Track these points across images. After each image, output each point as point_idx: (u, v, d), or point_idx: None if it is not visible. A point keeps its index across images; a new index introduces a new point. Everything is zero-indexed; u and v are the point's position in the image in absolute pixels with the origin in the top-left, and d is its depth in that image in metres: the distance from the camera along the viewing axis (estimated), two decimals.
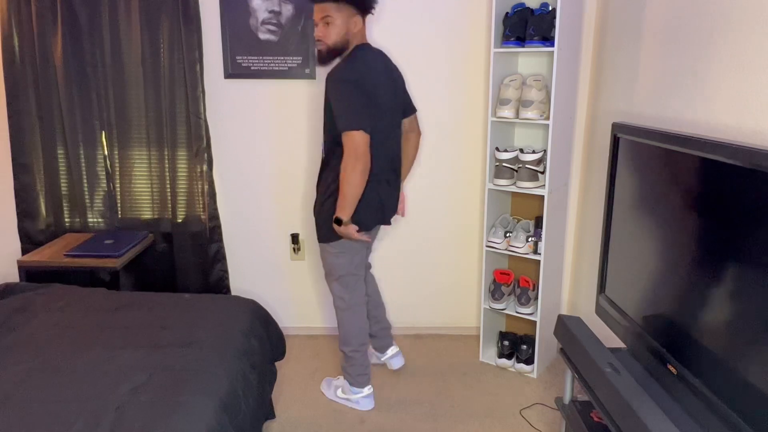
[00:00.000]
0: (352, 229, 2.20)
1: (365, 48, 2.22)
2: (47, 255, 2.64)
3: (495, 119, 2.58)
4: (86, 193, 2.90)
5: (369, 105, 2.12)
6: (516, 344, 2.76)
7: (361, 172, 2.10)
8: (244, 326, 2.03)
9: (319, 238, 2.31)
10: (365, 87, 2.12)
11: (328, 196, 2.23)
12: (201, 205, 2.90)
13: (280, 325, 2.34)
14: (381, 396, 2.54)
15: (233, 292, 3.06)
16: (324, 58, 2.21)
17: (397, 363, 2.69)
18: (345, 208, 2.15)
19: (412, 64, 2.72)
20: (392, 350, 2.69)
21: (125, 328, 1.96)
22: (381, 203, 2.28)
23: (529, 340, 2.70)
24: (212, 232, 2.93)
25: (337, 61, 2.21)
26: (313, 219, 2.34)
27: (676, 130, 1.69)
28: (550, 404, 2.47)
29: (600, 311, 2.01)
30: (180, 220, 2.92)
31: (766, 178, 1.21)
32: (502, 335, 2.81)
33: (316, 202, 2.32)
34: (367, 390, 2.44)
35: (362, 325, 2.42)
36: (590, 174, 2.67)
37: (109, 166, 2.89)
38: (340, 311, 2.41)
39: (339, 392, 2.50)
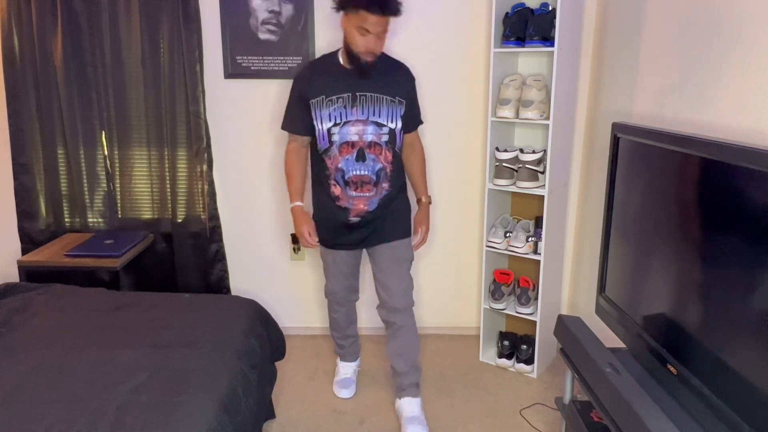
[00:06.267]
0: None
1: None
2: (47, 255, 2.64)
3: (495, 119, 2.58)
4: (86, 193, 2.90)
5: None
6: (516, 344, 2.76)
7: None
8: (244, 326, 2.03)
9: (403, 234, 2.28)
10: None
11: (400, 190, 2.29)
12: (201, 205, 2.90)
13: (280, 325, 2.34)
14: (381, 396, 2.54)
15: (233, 292, 3.06)
16: (371, 71, 2.11)
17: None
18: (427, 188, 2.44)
19: (412, 64, 2.71)
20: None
21: (125, 328, 1.96)
22: None
23: (529, 340, 2.70)
24: (212, 232, 2.93)
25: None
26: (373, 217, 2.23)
27: (676, 130, 1.69)
28: (550, 404, 2.47)
29: (600, 311, 2.01)
30: (180, 220, 2.92)
31: (767, 179, 1.21)
32: (502, 335, 2.81)
33: (387, 197, 2.23)
34: None
35: None
36: (590, 174, 2.67)
37: (109, 166, 2.89)
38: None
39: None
